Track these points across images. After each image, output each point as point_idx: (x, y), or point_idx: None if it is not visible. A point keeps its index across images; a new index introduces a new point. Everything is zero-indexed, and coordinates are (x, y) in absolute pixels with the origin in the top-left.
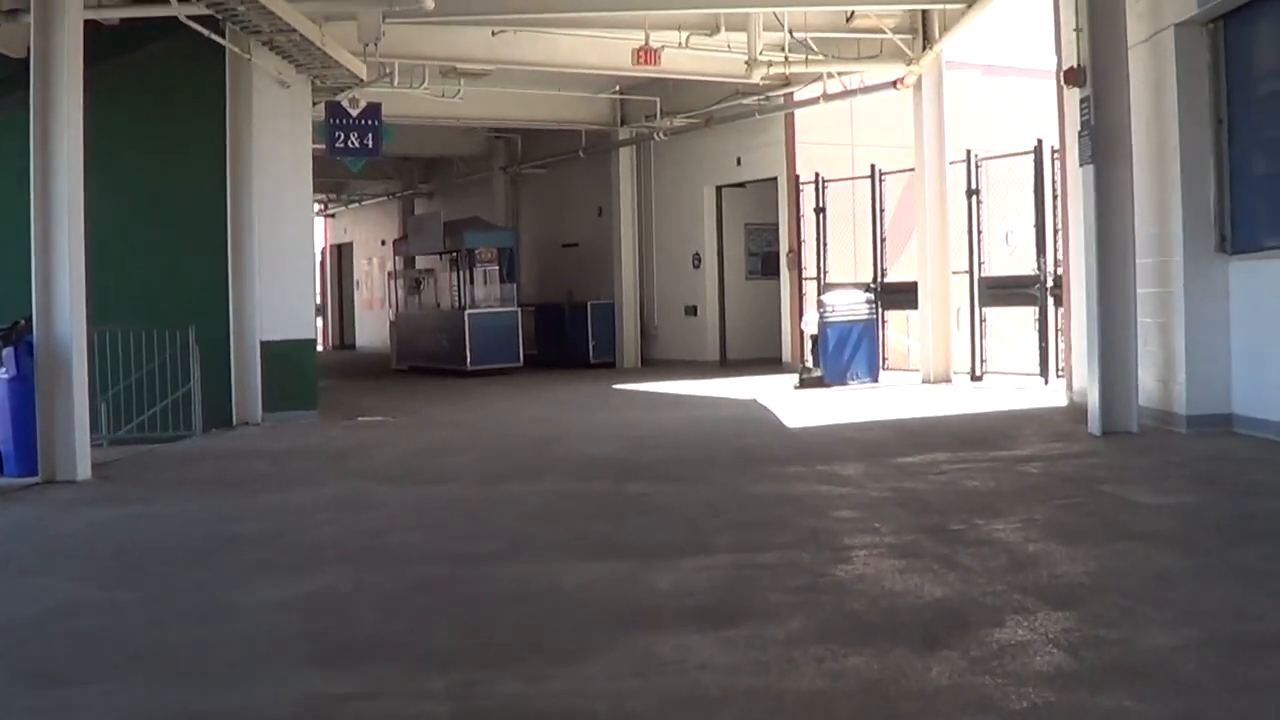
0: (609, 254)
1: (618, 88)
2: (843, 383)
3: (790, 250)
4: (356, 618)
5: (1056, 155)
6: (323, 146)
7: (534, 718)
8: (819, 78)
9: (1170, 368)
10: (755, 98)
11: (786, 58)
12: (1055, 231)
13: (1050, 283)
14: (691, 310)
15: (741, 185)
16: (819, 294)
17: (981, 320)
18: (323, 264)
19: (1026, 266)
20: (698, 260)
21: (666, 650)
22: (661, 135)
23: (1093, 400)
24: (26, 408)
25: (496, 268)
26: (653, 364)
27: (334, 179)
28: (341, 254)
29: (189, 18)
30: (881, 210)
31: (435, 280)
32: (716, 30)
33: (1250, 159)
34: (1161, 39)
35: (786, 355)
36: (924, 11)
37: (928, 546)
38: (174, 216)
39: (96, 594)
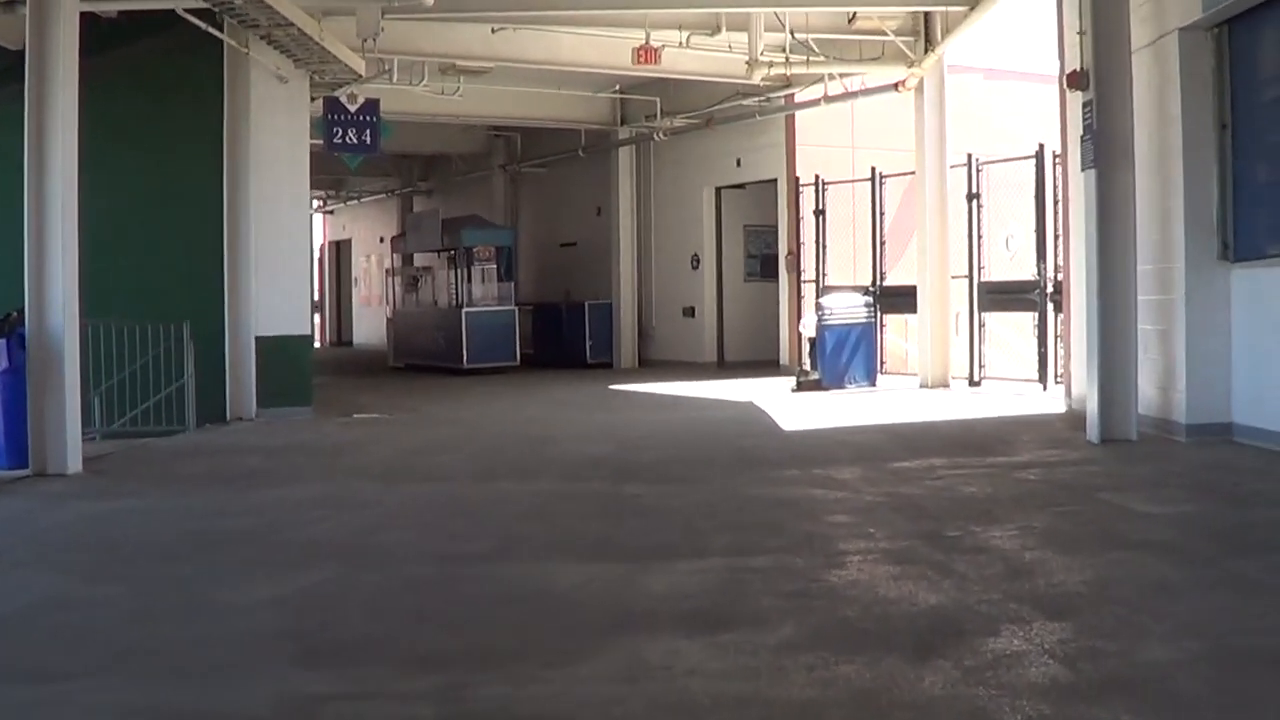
0: (607, 254)
1: (618, 87)
2: (840, 386)
3: (789, 252)
4: (344, 617)
5: (1058, 160)
6: (320, 142)
7: None
8: (820, 79)
9: (1170, 375)
10: (756, 99)
11: (788, 59)
12: (1056, 237)
13: (1050, 288)
14: (689, 311)
15: (741, 186)
16: (817, 296)
17: (980, 325)
18: (321, 260)
19: (1027, 272)
20: (696, 261)
21: (656, 655)
22: (661, 135)
23: (1092, 407)
24: (18, 400)
25: (494, 266)
26: (650, 365)
27: (333, 175)
28: (340, 251)
29: (187, 11)
30: (881, 213)
31: (433, 278)
32: (717, 30)
33: (1254, 165)
34: (1165, 43)
35: (784, 358)
36: (926, 14)
37: (923, 553)
38: (170, 210)
39: (83, 589)
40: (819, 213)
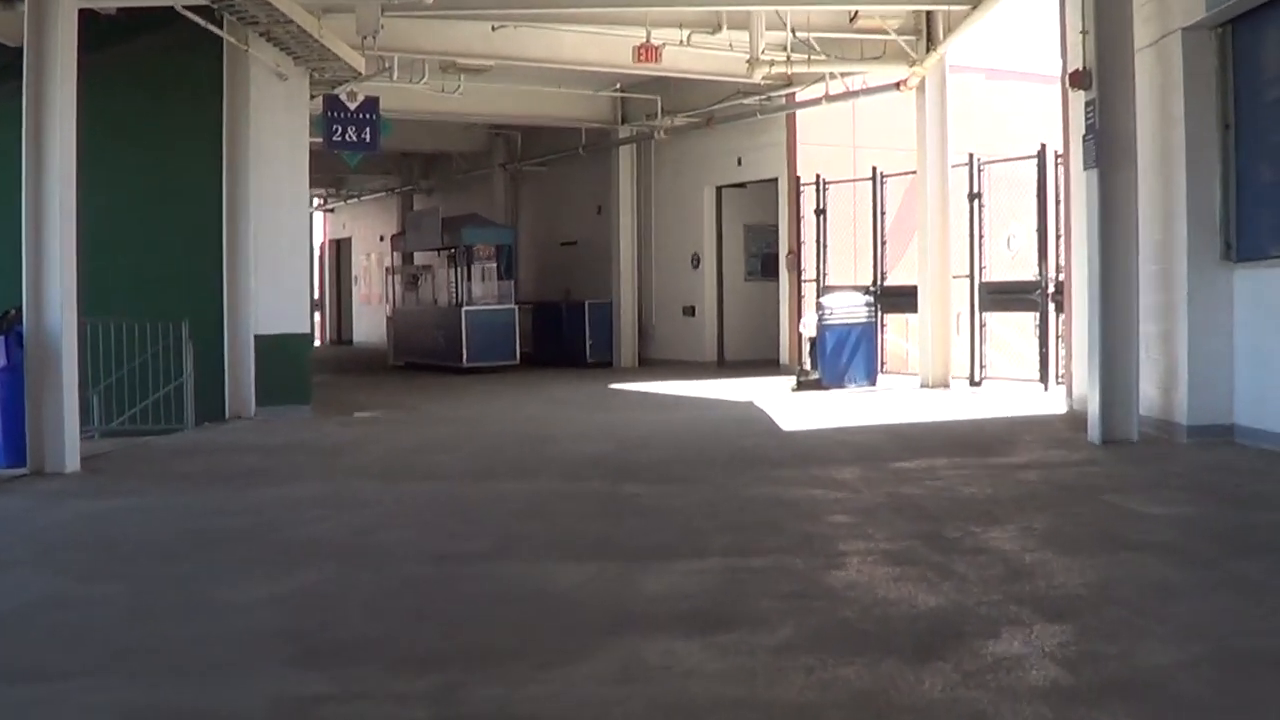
0: (608, 253)
1: (618, 86)
2: (840, 386)
3: (790, 252)
4: (340, 617)
5: (1060, 159)
6: (320, 140)
7: None
8: (821, 78)
9: (1172, 376)
10: (757, 98)
11: (789, 57)
12: (1057, 237)
13: (1052, 288)
14: (690, 310)
15: (742, 186)
16: (818, 296)
17: (981, 325)
18: (321, 259)
19: (1028, 272)
20: (697, 260)
21: (654, 656)
22: (662, 134)
23: (1093, 408)
24: (16, 399)
25: (495, 265)
26: (650, 364)
27: (333, 174)
28: (340, 249)
29: (186, 8)
30: (882, 213)
31: (433, 276)
32: (718, 28)
33: (1257, 165)
34: (1168, 43)
35: (784, 357)
36: (928, 13)
37: (923, 554)
38: (169, 208)
39: (80, 588)
40: (820, 212)
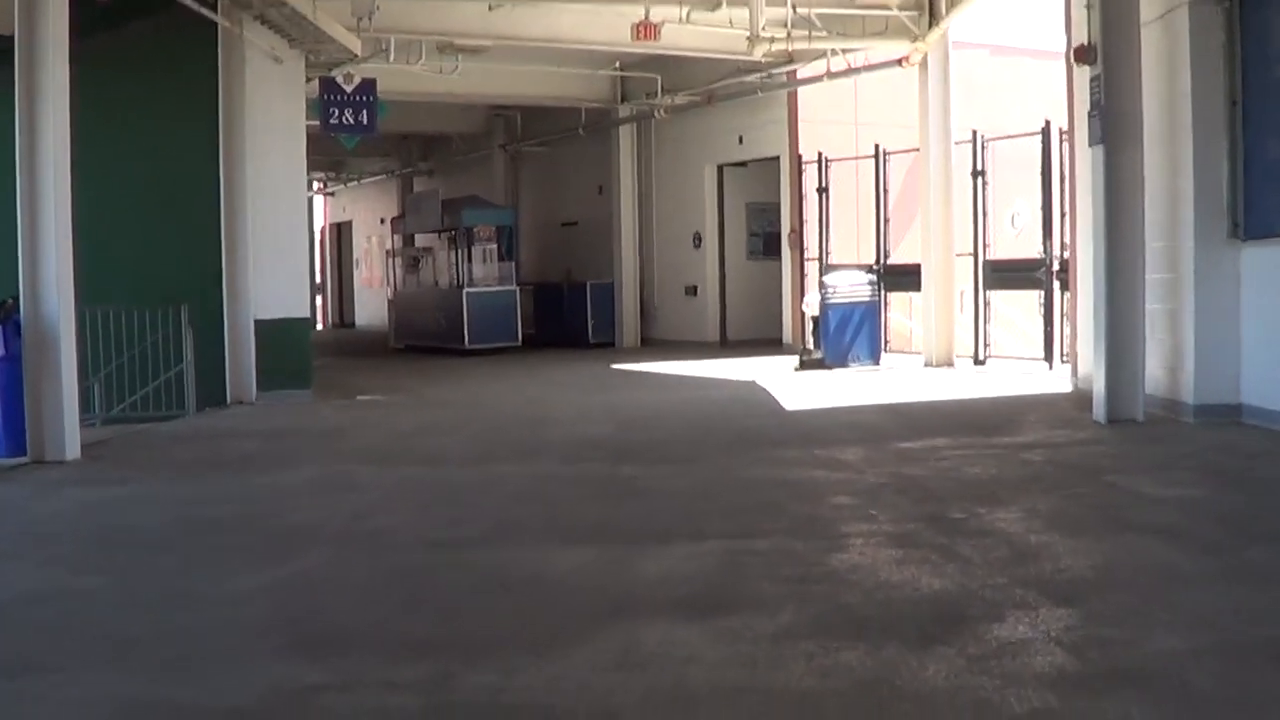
0: (609, 233)
1: (618, 64)
2: (843, 365)
3: (792, 230)
4: (333, 605)
5: (1065, 136)
6: (317, 123)
7: (509, 714)
8: (823, 55)
9: (1178, 356)
10: (757, 75)
11: (789, 34)
12: (1062, 214)
13: (1056, 266)
14: (692, 290)
15: (743, 164)
16: (821, 275)
17: (985, 304)
18: (322, 242)
19: (1032, 249)
20: (698, 240)
21: (652, 642)
22: (662, 113)
23: (1098, 388)
24: (15, 387)
25: (495, 246)
26: (652, 344)
27: (332, 157)
28: (341, 232)
29: None
30: (885, 191)
31: (434, 259)
32: (718, 5)
33: (1265, 142)
34: (1175, 17)
35: (787, 336)
36: None
37: (926, 536)
38: (166, 194)
39: (74, 579)
40: (822, 190)
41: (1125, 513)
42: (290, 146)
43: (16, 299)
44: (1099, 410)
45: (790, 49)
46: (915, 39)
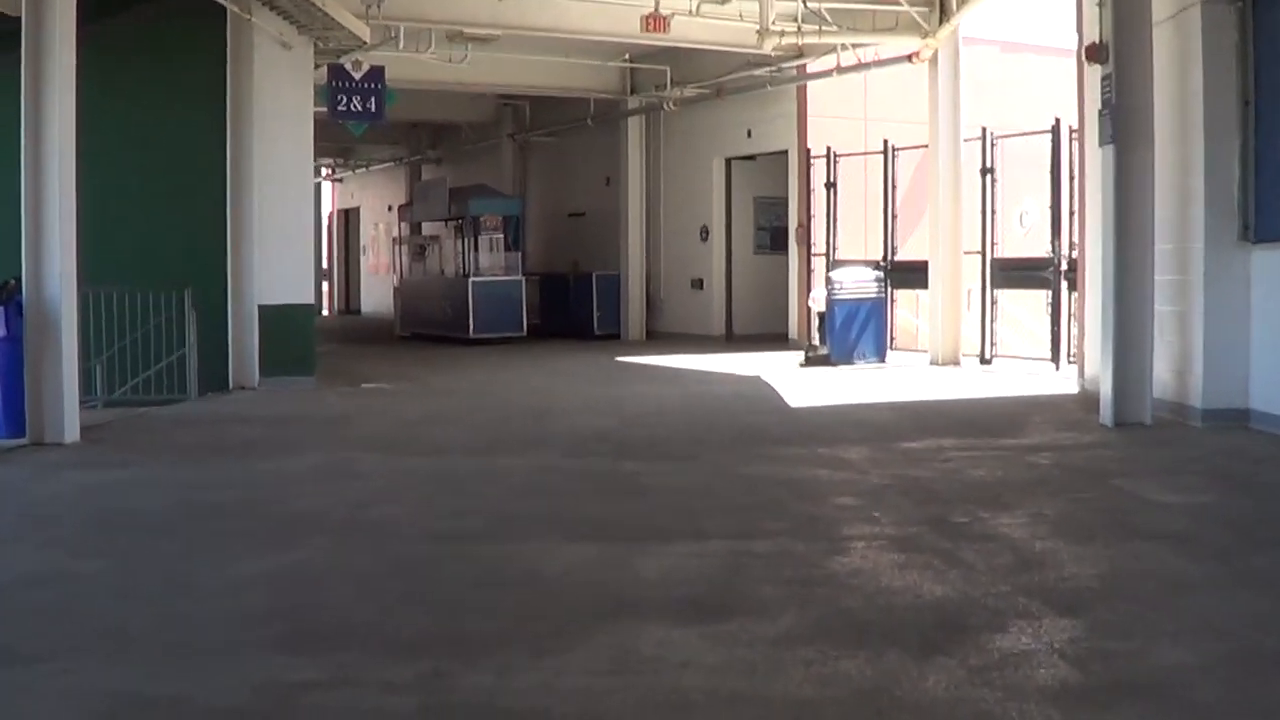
0: (616, 224)
1: (627, 56)
2: (849, 362)
3: (799, 225)
4: (329, 598)
5: (1075, 135)
6: (324, 110)
7: (503, 717)
8: (832, 49)
9: (1187, 359)
10: (767, 69)
11: (799, 28)
12: (1071, 213)
13: (1065, 266)
14: (698, 283)
15: (751, 158)
16: (828, 270)
17: (993, 302)
18: (330, 229)
19: (1041, 248)
20: (705, 233)
21: (648, 645)
22: (671, 105)
23: (1105, 390)
24: (16, 369)
25: (502, 236)
26: (657, 337)
27: (341, 144)
28: (349, 219)
29: None
30: (894, 187)
31: (440, 247)
32: None
33: (1277, 143)
34: (1188, 16)
35: (793, 332)
36: None
37: (929, 540)
38: (172, 178)
39: (69, 563)
40: (830, 185)
41: (1132, 518)
42: (298, 133)
43: (19, 280)
44: (1106, 413)
45: (800, 43)
46: (926, 35)
